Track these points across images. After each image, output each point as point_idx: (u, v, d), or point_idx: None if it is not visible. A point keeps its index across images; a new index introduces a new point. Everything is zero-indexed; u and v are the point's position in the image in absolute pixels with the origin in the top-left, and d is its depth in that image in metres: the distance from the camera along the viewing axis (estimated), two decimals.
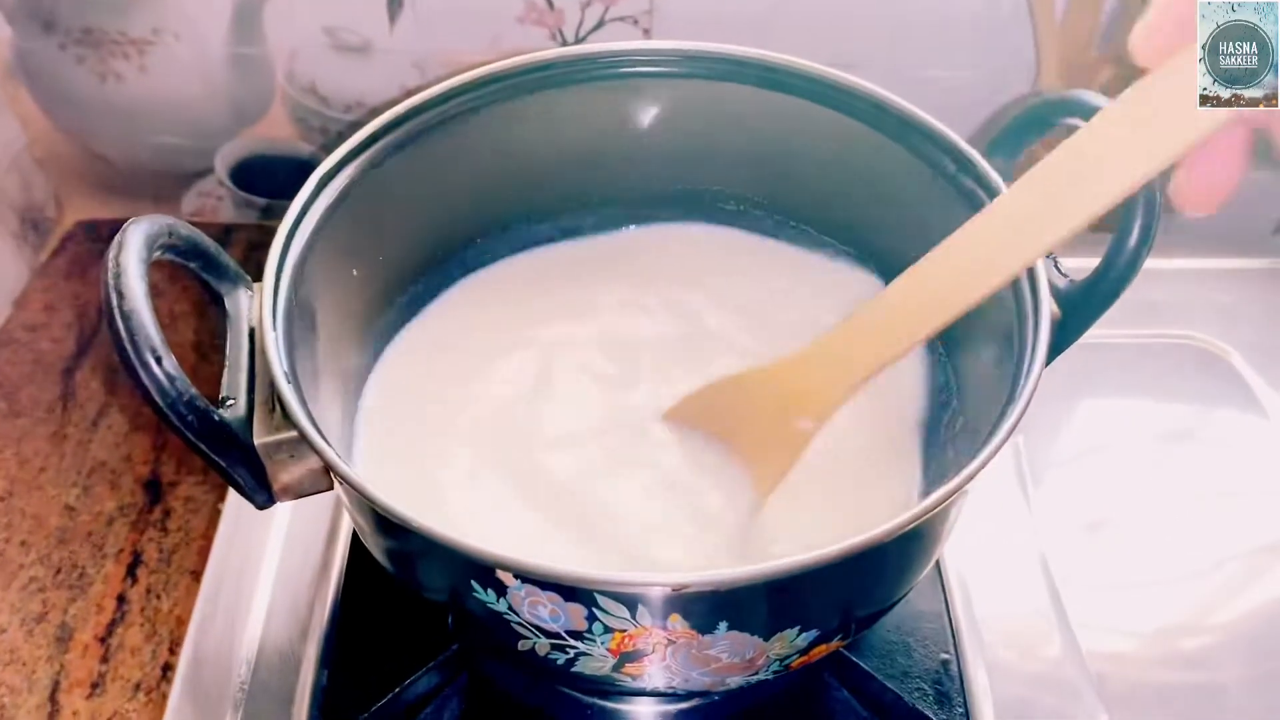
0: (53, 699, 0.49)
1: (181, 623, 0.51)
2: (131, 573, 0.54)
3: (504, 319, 0.50)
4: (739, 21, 0.61)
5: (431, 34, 0.62)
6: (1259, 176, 0.40)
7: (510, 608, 0.34)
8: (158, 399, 0.33)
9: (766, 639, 0.35)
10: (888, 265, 0.48)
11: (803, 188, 0.50)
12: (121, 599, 0.53)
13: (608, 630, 0.33)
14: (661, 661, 0.35)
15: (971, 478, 0.33)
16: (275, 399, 0.36)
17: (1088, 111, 0.36)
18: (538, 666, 0.37)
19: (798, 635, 0.35)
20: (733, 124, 0.48)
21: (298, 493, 0.38)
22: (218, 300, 0.40)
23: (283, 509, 0.51)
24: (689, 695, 0.45)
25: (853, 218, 0.50)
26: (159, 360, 0.33)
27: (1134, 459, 0.58)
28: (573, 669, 0.36)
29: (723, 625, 0.33)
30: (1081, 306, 0.41)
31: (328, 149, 0.49)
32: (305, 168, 0.42)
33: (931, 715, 0.44)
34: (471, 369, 0.48)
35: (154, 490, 0.57)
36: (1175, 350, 0.62)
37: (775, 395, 0.42)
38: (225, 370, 0.38)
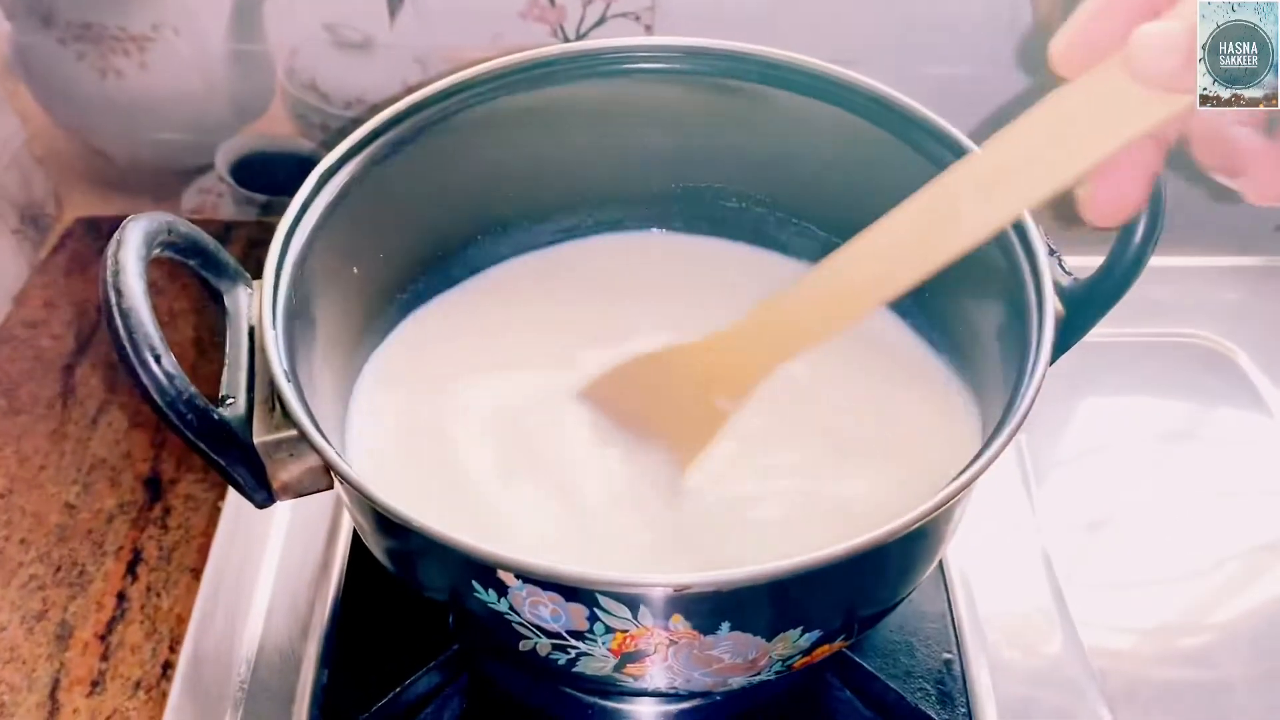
0: (53, 697, 0.49)
1: (182, 621, 0.51)
2: (131, 570, 0.54)
3: (504, 319, 0.50)
4: (741, 18, 0.60)
5: (432, 30, 0.62)
6: None
7: (511, 608, 0.33)
8: (156, 398, 0.33)
9: (769, 639, 0.35)
10: None
11: (805, 185, 0.50)
12: (121, 597, 0.52)
13: (609, 630, 0.33)
14: (663, 662, 0.35)
15: (976, 477, 0.33)
16: (275, 397, 0.36)
17: None
18: (539, 666, 0.37)
19: (800, 635, 0.35)
20: (734, 121, 0.48)
21: (298, 491, 0.38)
22: (217, 298, 0.40)
23: (283, 508, 0.51)
24: (690, 695, 0.45)
25: (855, 215, 0.49)
26: (158, 359, 0.33)
27: (1137, 458, 0.58)
28: (574, 669, 0.36)
29: (725, 626, 0.33)
30: (1086, 305, 0.41)
31: (328, 146, 0.49)
32: (306, 165, 0.42)
33: (934, 715, 0.44)
34: (472, 368, 0.48)
35: (154, 488, 0.57)
36: (1179, 349, 0.62)
37: (695, 373, 0.41)
38: (225, 368, 0.38)
